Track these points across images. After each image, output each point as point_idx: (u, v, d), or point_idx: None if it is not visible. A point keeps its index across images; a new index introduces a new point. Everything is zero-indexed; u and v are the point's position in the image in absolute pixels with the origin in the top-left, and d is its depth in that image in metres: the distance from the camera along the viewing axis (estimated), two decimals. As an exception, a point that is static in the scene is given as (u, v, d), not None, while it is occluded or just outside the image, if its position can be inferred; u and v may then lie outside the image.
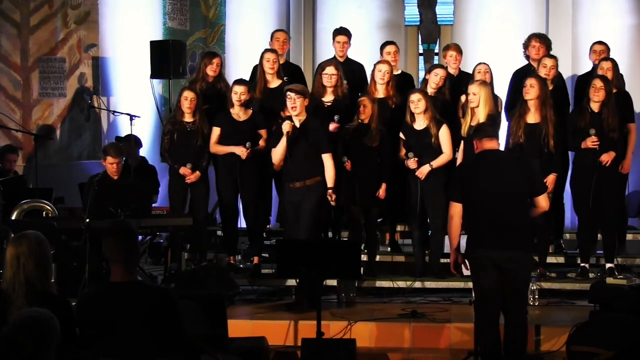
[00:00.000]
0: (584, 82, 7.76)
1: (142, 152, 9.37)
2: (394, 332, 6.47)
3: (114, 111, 9.68)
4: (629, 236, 8.20)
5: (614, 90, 7.36)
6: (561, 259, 7.82)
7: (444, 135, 7.33)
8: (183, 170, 7.54)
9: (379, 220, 7.87)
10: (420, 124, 7.36)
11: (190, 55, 10.20)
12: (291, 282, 7.32)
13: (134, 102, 9.66)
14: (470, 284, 6.22)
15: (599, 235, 7.59)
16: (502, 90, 8.02)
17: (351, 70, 8.06)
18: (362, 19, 9.70)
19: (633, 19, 9.38)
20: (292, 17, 10.48)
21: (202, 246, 7.78)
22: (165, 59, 8.90)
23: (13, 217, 7.19)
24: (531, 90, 7.14)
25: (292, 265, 6.18)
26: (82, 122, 10.13)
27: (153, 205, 8.20)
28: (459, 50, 8.16)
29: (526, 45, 8.09)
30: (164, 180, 9.19)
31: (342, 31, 8.17)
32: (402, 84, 7.92)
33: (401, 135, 7.40)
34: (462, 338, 6.23)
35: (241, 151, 7.35)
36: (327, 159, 7.00)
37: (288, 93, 6.91)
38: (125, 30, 10.18)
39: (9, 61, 10.23)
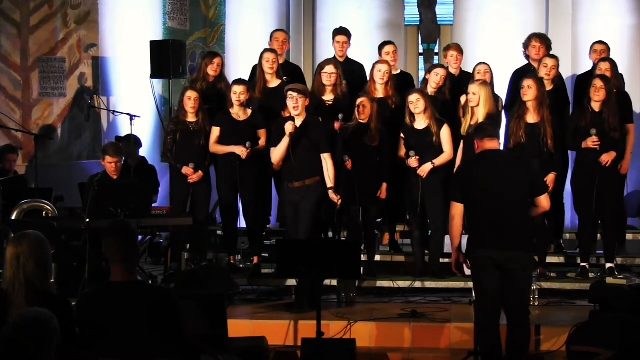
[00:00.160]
0: (583, 81, 7.77)
1: (142, 152, 9.37)
2: (394, 332, 6.46)
3: (114, 111, 9.68)
4: (629, 236, 8.20)
5: (614, 91, 7.36)
6: (561, 259, 7.82)
7: (445, 134, 7.34)
8: (186, 170, 7.53)
9: (378, 220, 7.88)
10: (420, 123, 7.37)
11: (190, 55, 10.20)
12: (291, 282, 7.31)
13: (134, 102, 9.65)
14: (470, 284, 6.22)
15: (598, 235, 7.59)
16: (502, 90, 8.02)
17: (351, 70, 8.06)
18: (362, 19, 9.70)
19: (633, 18, 9.38)
20: (292, 17, 10.48)
21: (203, 246, 7.78)
22: (165, 59, 8.89)
23: (13, 217, 7.19)
24: (529, 92, 7.14)
25: (292, 265, 6.18)
26: (82, 122, 10.13)
27: (153, 205, 8.20)
28: (459, 50, 8.16)
29: (526, 45, 8.10)
30: (164, 180, 9.20)
31: (342, 31, 8.18)
32: (402, 83, 7.93)
33: (402, 135, 7.40)
34: (462, 338, 6.23)
35: (241, 151, 7.34)
36: (327, 159, 7.00)
37: (290, 93, 6.91)
38: (125, 30, 10.18)
39: (9, 61, 10.23)
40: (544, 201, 5.42)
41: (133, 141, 8.87)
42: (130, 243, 4.10)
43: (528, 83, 7.16)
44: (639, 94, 8.71)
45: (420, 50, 10.27)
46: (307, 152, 6.94)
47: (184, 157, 7.59)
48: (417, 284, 7.43)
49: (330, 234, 7.77)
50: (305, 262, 6.03)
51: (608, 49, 8.09)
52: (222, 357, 4.66)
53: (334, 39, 8.20)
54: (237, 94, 7.44)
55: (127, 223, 4.24)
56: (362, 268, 6.72)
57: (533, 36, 8.10)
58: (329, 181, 6.97)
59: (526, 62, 8.15)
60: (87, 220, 6.60)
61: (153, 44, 9.12)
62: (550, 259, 7.63)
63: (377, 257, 7.76)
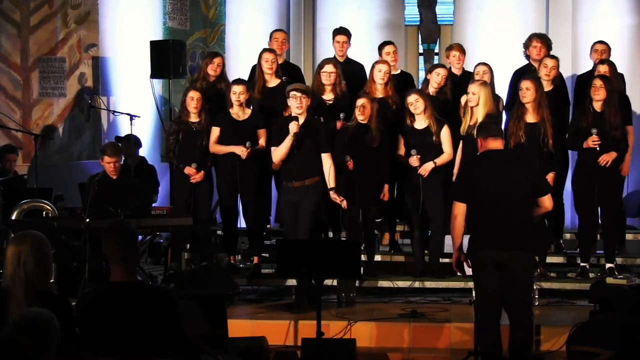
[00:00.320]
0: (584, 81, 7.77)
1: (142, 152, 9.37)
2: (394, 332, 6.47)
3: (114, 111, 9.69)
4: (629, 236, 8.20)
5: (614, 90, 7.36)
6: (561, 259, 7.82)
7: (445, 135, 7.35)
8: (188, 170, 7.53)
9: (378, 220, 7.88)
10: (420, 123, 7.37)
11: (190, 55, 10.20)
12: (291, 282, 7.31)
13: (134, 102, 9.66)
14: (470, 284, 6.22)
15: (598, 235, 7.59)
16: (502, 90, 8.02)
17: (351, 70, 8.06)
18: (362, 19, 9.71)
19: (633, 18, 9.38)
20: (292, 17, 10.49)
21: (205, 246, 7.77)
22: (165, 59, 8.89)
23: (13, 217, 7.19)
24: (527, 93, 7.14)
25: (292, 265, 6.18)
26: (82, 122, 10.13)
27: (153, 205, 8.20)
28: (462, 50, 8.16)
29: (527, 46, 8.10)
30: (163, 180, 9.20)
31: (341, 31, 8.18)
32: (402, 83, 7.93)
33: (401, 135, 7.41)
34: (462, 338, 6.24)
35: (241, 151, 7.34)
36: (327, 159, 7.00)
37: (293, 93, 6.89)
38: (125, 30, 10.18)
39: (9, 61, 10.22)
40: (547, 201, 5.41)
41: (133, 141, 8.87)
42: (130, 243, 4.10)
43: (526, 85, 7.16)
44: (639, 94, 8.72)
45: (420, 50, 10.27)
46: (307, 152, 6.94)
47: (186, 157, 7.59)
48: (417, 284, 7.43)
49: (331, 234, 7.77)
50: (305, 262, 6.03)
51: (609, 49, 8.09)
52: (222, 357, 4.66)
53: (333, 38, 8.20)
54: (237, 93, 7.45)
55: (127, 223, 4.24)
56: (362, 268, 6.72)
57: (534, 36, 8.10)
58: (330, 181, 6.96)
59: (527, 62, 8.15)
60: (87, 220, 6.60)
61: (153, 44, 9.12)
62: (550, 259, 7.62)
63: (377, 257, 7.76)
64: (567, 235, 8.30)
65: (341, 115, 7.39)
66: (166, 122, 9.02)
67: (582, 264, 7.45)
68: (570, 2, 9.72)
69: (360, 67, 8.26)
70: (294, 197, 6.96)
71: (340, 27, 8.24)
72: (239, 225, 7.92)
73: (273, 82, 7.80)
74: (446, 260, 7.09)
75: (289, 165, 6.97)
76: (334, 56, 8.13)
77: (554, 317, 6.68)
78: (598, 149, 7.16)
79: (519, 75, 7.81)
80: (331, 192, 6.94)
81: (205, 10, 10.69)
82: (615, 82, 7.49)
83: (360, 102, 7.26)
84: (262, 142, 7.45)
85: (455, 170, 7.31)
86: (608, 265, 7.34)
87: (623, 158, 7.36)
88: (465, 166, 5.78)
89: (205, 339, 4.93)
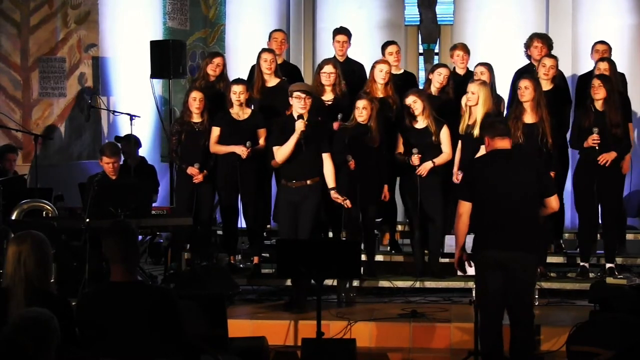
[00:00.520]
0: (585, 81, 7.77)
1: (142, 152, 9.37)
2: (394, 332, 6.47)
3: (114, 111, 9.69)
4: (629, 236, 8.20)
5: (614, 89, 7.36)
6: (561, 259, 7.82)
7: (444, 135, 7.35)
8: (191, 170, 7.53)
9: (378, 220, 7.88)
10: (420, 123, 7.38)
11: (190, 55, 10.20)
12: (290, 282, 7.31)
13: (134, 102, 9.65)
14: (470, 284, 6.23)
15: (598, 235, 7.59)
16: (502, 90, 8.02)
17: (351, 70, 8.06)
18: (362, 19, 9.70)
19: (633, 18, 9.38)
20: (292, 17, 10.48)
21: (205, 246, 7.77)
22: (165, 59, 8.88)
23: (13, 217, 7.18)
24: (526, 92, 7.15)
25: (292, 265, 6.18)
26: (82, 122, 10.13)
27: (153, 205, 8.20)
28: (465, 50, 8.15)
29: (528, 46, 8.10)
30: (163, 180, 9.20)
31: (341, 30, 8.18)
32: (405, 83, 7.91)
33: (399, 135, 7.41)
34: (462, 338, 6.23)
35: (242, 150, 7.34)
36: (327, 159, 6.99)
37: (298, 94, 6.86)
38: (125, 30, 10.18)
39: (9, 61, 10.23)
40: (554, 202, 5.38)
41: (133, 141, 8.87)
42: (130, 243, 4.10)
43: (524, 84, 7.16)
44: (639, 94, 8.72)
45: (420, 50, 10.27)
46: (310, 152, 6.92)
47: (189, 158, 7.59)
48: (417, 284, 7.43)
49: (331, 234, 7.77)
50: (305, 262, 6.04)
51: (610, 49, 8.09)
52: (222, 357, 4.66)
53: (334, 38, 8.20)
54: (237, 93, 7.45)
55: (127, 223, 4.24)
56: (362, 268, 6.72)
57: (535, 36, 8.10)
58: (330, 181, 6.96)
59: (528, 61, 8.15)
60: (87, 220, 6.60)
61: (153, 44, 9.12)
62: (550, 259, 7.62)
63: (377, 257, 7.76)
64: (567, 235, 8.30)
65: (339, 116, 7.39)
66: (166, 122, 9.02)
67: (582, 264, 7.46)
68: (570, 2, 9.71)
69: (360, 67, 8.25)
70: (294, 197, 6.95)
71: (341, 27, 8.24)
72: (239, 225, 7.92)
73: (272, 81, 7.80)
74: (446, 260, 7.09)
75: (291, 165, 6.93)
76: (334, 56, 8.13)
77: (554, 317, 6.68)
78: (597, 147, 7.16)
79: (520, 75, 7.80)
80: (332, 192, 6.93)
81: (205, 10, 10.70)
82: (615, 81, 7.49)
83: (360, 103, 7.25)
84: (262, 141, 7.45)
85: (455, 170, 7.32)
86: (608, 265, 7.35)
87: (624, 157, 7.37)
88: (471, 165, 5.71)
89: (205, 339, 4.93)
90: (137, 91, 9.81)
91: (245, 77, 7.94)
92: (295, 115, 6.89)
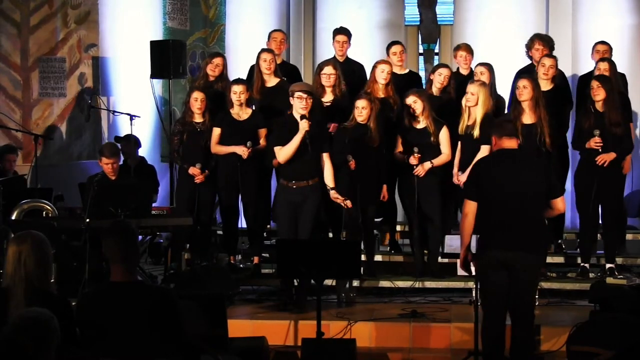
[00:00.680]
0: (585, 82, 7.76)
1: (142, 152, 9.37)
2: (394, 332, 6.47)
3: (114, 111, 9.69)
4: (629, 236, 8.20)
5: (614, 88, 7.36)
6: (561, 259, 7.81)
7: (443, 136, 7.36)
8: (192, 170, 7.53)
9: (378, 220, 7.88)
10: (420, 124, 7.38)
11: (190, 55, 10.20)
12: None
13: (134, 102, 9.66)
14: (470, 284, 6.23)
15: (599, 235, 7.59)
16: (502, 90, 8.01)
17: (351, 70, 8.06)
18: (362, 19, 9.70)
19: (633, 18, 9.38)
20: (292, 17, 10.48)
21: (205, 246, 7.77)
22: (165, 59, 8.88)
23: (13, 217, 7.19)
24: (524, 92, 7.15)
25: (292, 265, 6.18)
26: (82, 122, 10.13)
27: (153, 205, 8.20)
28: (468, 51, 8.15)
29: (529, 47, 8.09)
30: (163, 180, 9.20)
31: (341, 31, 8.18)
32: (410, 83, 7.87)
33: (398, 135, 7.42)
34: (462, 338, 6.23)
35: (242, 151, 7.34)
36: (326, 159, 6.99)
37: (299, 94, 6.84)
38: (125, 30, 10.18)
39: (9, 61, 10.23)
40: (560, 203, 5.36)
41: (133, 141, 8.87)
42: (130, 243, 4.10)
43: (523, 83, 7.17)
44: (639, 94, 8.71)
45: (420, 50, 10.26)
46: (309, 152, 6.92)
47: (190, 158, 7.59)
48: (417, 284, 7.43)
49: (331, 234, 7.77)
50: (305, 262, 6.03)
51: (610, 49, 8.09)
52: (222, 357, 4.67)
53: (333, 38, 8.19)
54: (237, 93, 7.45)
55: (127, 223, 4.24)
56: (362, 268, 6.71)
57: (536, 38, 8.09)
58: (330, 181, 6.95)
59: (529, 62, 8.14)
60: (87, 220, 6.60)
61: (153, 44, 9.12)
62: (550, 259, 7.60)
63: (377, 257, 7.76)
64: (567, 235, 8.30)
65: (329, 125, 7.39)
66: (166, 122, 9.02)
67: (582, 264, 7.46)
68: (570, 2, 9.71)
69: (360, 67, 8.25)
70: (294, 197, 6.93)
71: (340, 27, 8.23)
72: (239, 225, 7.91)
73: (272, 81, 7.80)
74: (445, 260, 7.09)
75: (293, 165, 6.89)
76: (334, 56, 8.13)
77: (554, 317, 6.67)
78: (600, 150, 7.16)
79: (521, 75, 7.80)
80: (332, 192, 6.93)
81: (205, 10, 10.69)
82: (615, 81, 7.49)
83: (360, 103, 7.24)
84: (263, 142, 7.45)
85: (455, 171, 7.32)
86: (608, 265, 7.35)
87: (624, 157, 7.37)
88: (478, 164, 5.68)
89: (205, 339, 4.93)
90: (137, 91, 9.81)
91: (244, 78, 7.94)
92: (295, 115, 6.88)
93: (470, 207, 5.33)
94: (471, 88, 7.22)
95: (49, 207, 7.33)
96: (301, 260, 6.06)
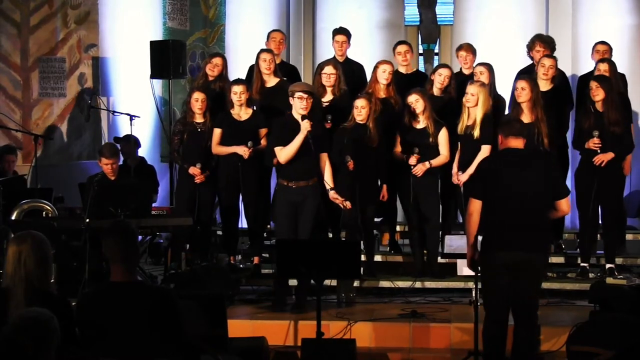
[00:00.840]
0: (585, 82, 7.76)
1: (142, 152, 9.37)
2: (394, 332, 6.46)
3: (114, 111, 9.68)
4: (629, 236, 8.20)
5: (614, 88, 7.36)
6: (561, 259, 7.82)
7: (442, 137, 7.36)
8: (193, 170, 7.53)
9: (378, 220, 7.88)
10: (420, 123, 7.38)
11: (190, 55, 10.20)
12: (291, 282, 7.30)
13: (134, 102, 9.65)
14: (470, 284, 6.22)
15: (599, 235, 7.59)
16: (502, 90, 8.01)
17: (351, 70, 8.06)
18: (362, 19, 9.70)
19: (633, 18, 9.38)
20: (292, 17, 10.49)
21: (205, 246, 7.77)
22: (165, 59, 8.87)
23: (13, 217, 7.19)
24: (522, 93, 7.16)
25: (292, 265, 6.18)
26: (82, 122, 10.13)
27: (153, 205, 8.20)
28: (470, 51, 8.14)
29: (530, 48, 8.10)
30: (163, 180, 9.20)
31: (341, 31, 8.18)
32: (416, 82, 7.83)
33: (397, 135, 7.42)
34: (462, 338, 6.23)
35: (243, 151, 7.34)
36: (326, 159, 6.99)
37: (299, 94, 6.83)
38: (125, 30, 10.18)
39: (9, 61, 10.23)
40: (564, 204, 5.34)
41: (132, 141, 8.87)
42: (130, 243, 4.10)
43: (521, 85, 7.18)
44: (639, 94, 8.71)
45: (420, 50, 10.27)
46: (309, 151, 6.92)
47: (191, 158, 7.59)
48: (417, 284, 7.43)
49: (330, 234, 7.77)
50: (305, 262, 6.03)
51: (610, 49, 8.09)
52: (222, 357, 4.66)
53: (333, 38, 8.19)
54: (238, 93, 7.45)
55: (127, 223, 4.24)
56: (362, 268, 6.71)
57: (537, 39, 8.09)
58: (329, 182, 6.95)
59: (529, 62, 8.14)
60: (87, 220, 6.60)
61: (153, 44, 9.12)
62: (550, 259, 7.60)
63: (377, 257, 7.76)
64: (567, 235, 8.30)
65: (328, 117, 7.39)
66: (166, 122, 9.01)
67: (582, 264, 7.46)
68: (570, 2, 9.71)
69: (359, 67, 8.25)
70: (294, 197, 6.92)
71: (340, 27, 8.23)
72: (239, 225, 7.91)
73: (271, 81, 7.80)
74: (445, 260, 7.09)
75: (293, 165, 6.89)
76: (334, 57, 8.13)
77: (554, 317, 6.67)
78: (599, 151, 7.16)
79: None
80: (331, 193, 6.92)
81: (205, 10, 10.70)
82: (614, 81, 7.49)
83: (359, 102, 7.24)
84: (263, 141, 7.45)
85: (455, 171, 7.33)
86: (608, 265, 7.35)
87: (624, 157, 7.37)
88: (484, 163, 5.67)
89: (205, 339, 4.93)
90: (137, 91, 9.81)
91: (244, 78, 7.93)
92: (295, 115, 6.88)
93: (475, 206, 5.31)
94: (471, 89, 7.22)
95: (49, 207, 7.34)
96: (301, 260, 6.06)
